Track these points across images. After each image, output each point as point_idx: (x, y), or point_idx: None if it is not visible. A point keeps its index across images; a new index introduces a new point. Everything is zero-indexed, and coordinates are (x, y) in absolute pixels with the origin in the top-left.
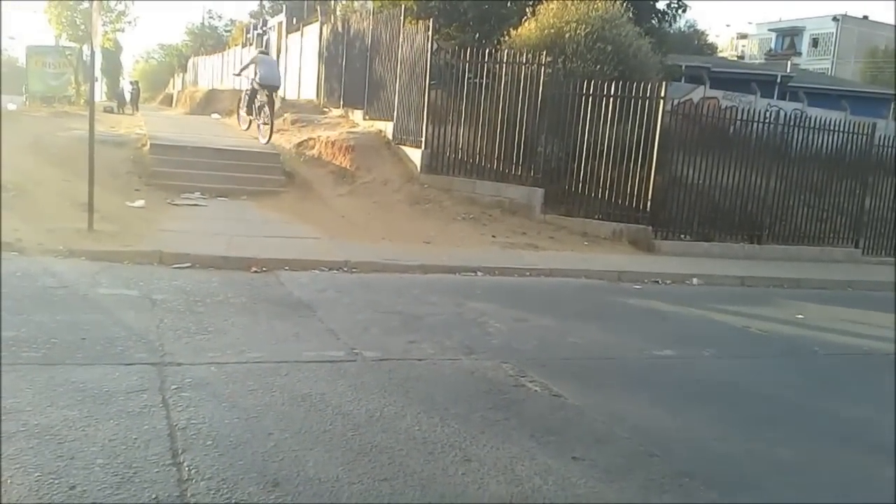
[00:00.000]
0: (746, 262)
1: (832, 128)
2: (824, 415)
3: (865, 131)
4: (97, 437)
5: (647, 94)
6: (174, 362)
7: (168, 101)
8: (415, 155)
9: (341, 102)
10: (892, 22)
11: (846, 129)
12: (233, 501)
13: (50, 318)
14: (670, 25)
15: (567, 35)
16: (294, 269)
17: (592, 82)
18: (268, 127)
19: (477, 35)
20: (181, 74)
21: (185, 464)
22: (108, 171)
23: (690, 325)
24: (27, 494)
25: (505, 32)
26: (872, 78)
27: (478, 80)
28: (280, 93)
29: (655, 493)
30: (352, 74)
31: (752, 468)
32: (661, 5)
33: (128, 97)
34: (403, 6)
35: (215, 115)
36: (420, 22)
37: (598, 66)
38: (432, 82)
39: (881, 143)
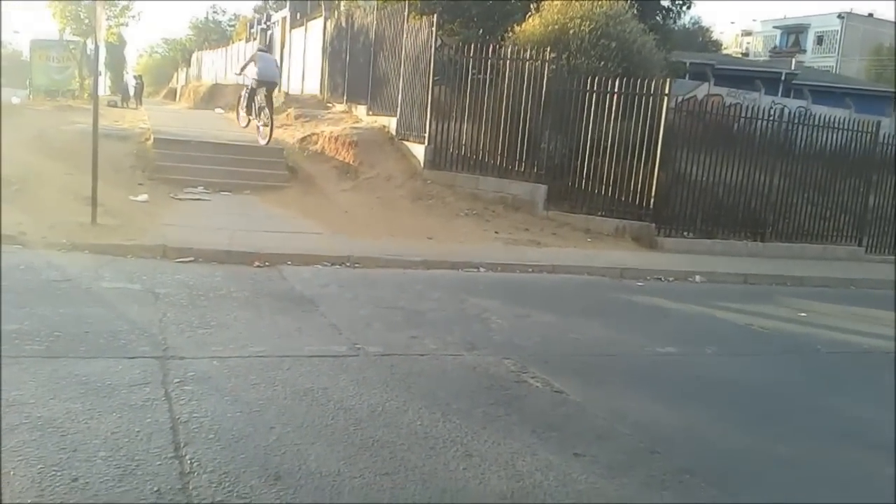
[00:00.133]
0: (749, 259)
1: (836, 125)
2: (826, 412)
3: (869, 129)
4: (100, 430)
5: (651, 91)
6: (177, 356)
7: (172, 95)
8: (418, 151)
9: (345, 98)
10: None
11: (850, 127)
12: (234, 494)
13: (53, 312)
14: (675, 22)
15: (571, 31)
16: (297, 264)
17: (596, 79)
18: (268, 128)
19: (481, 31)
20: (185, 69)
21: (187, 457)
22: (112, 165)
23: (693, 322)
24: (29, 486)
25: (509, 28)
26: (877, 76)
27: (481, 76)
28: (284, 87)
29: (656, 489)
30: (355, 70)
31: (754, 465)
32: (665, 2)
33: (131, 91)
34: (407, 2)
35: (219, 110)
36: (424, 17)
37: (602, 63)
38: (436, 78)
39: (885, 142)
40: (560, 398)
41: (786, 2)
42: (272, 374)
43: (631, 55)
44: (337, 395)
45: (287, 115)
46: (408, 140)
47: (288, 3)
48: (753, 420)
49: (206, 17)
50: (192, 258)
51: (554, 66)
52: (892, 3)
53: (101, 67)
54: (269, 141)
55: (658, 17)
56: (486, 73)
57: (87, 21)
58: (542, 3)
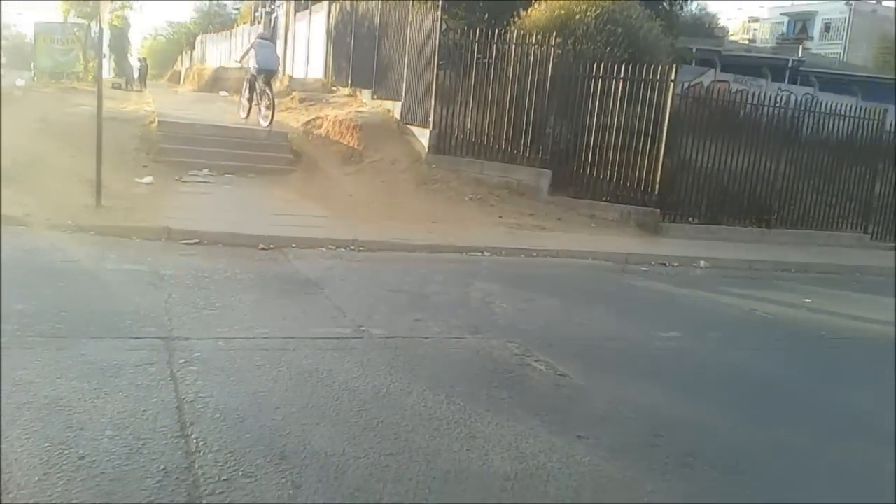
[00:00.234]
0: (754, 246)
1: (843, 113)
2: (829, 400)
3: (876, 117)
4: (106, 410)
5: (657, 77)
6: (182, 337)
7: (176, 78)
8: (422, 135)
9: (349, 82)
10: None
11: (857, 115)
12: (240, 473)
13: (59, 293)
14: (681, 8)
15: (577, 16)
16: (301, 248)
17: (602, 64)
18: (269, 111)
19: (486, 15)
20: (189, 52)
21: (192, 436)
22: (116, 148)
23: (697, 308)
24: (37, 464)
25: (515, 13)
26: (884, 64)
27: (487, 62)
28: (288, 72)
29: (659, 472)
30: (360, 54)
31: (756, 451)
32: None
33: (136, 74)
34: None
35: (223, 93)
36: (429, 1)
37: (608, 49)
38: (441, 63)
39: (892, 129)
40: (563, 382)
41: None
42: (277, 356)
43: (637, 41)
44: (342, 377)
45: (291, 99)
46: (412, 125)
47: None
48: (757, 406)
49: (211, 1)
50: (196, 241)
51: (560, 52)
52: None
53: (106, 50)
54: (270, 123)
55: (664, 4)
56: (491, 59)
57: (91, 3)
58: None
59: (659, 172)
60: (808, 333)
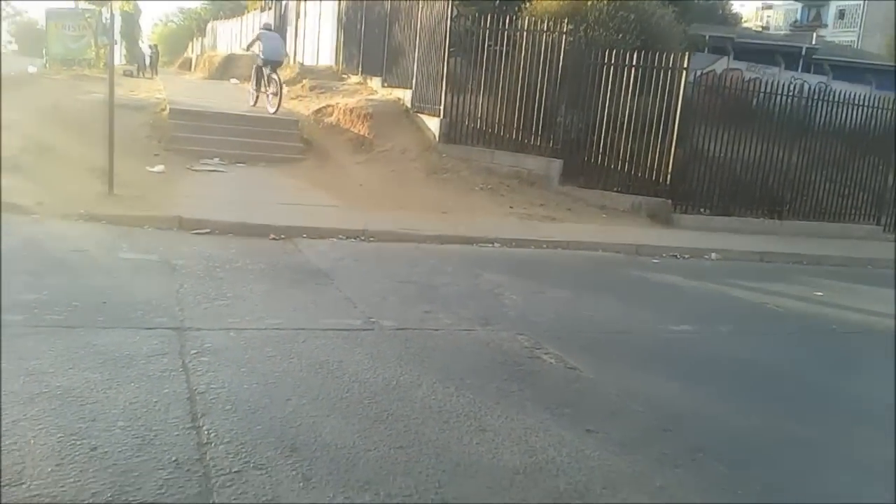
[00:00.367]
0: (766, 237)
1: (856, 102)
2: (839, 393)
3: (890, 106)
4: (118, 400)
5: (670, 65)
6: (194, 327)
7: (187, 65)
8: (433, 124)
9: (360, 69)
10: None
11: (871, 104)
12: (251, 465)
13: (70, 282)
14: None
15: (589, 3)
16: (312, 237)
17: (614, 52)
18: (276, 97)
19: (498, 2)
20: (200, 39)
21: (204, 427)
22: (128, 136)
23: (707, 300)
24: (49, 454)
25: (526, 0)
26: None
27: (498, 49)
28: (299, 59)
29: (669, 466)
30: (370, 41)
31: (766, 445)
32: None
33: (147, 61)
34: None
35: (234, 80)
36: None
37: (620, 36)
38: (451, 50)
39: None
40: (573, 374)
41: None
42: (288, 347)
43: (650, 28)
44: (352, 369)
45: (302, 87)
46: (423, 113)
47: None
48: (767, 399)
49: None
50: (208, 230)
51: (571, 39)
52: None
53: (117, 37)
54: (277, 109)
55: None
56: (502, 46)
57: None
58: None
59: (671, 162)
60: (819, 326)
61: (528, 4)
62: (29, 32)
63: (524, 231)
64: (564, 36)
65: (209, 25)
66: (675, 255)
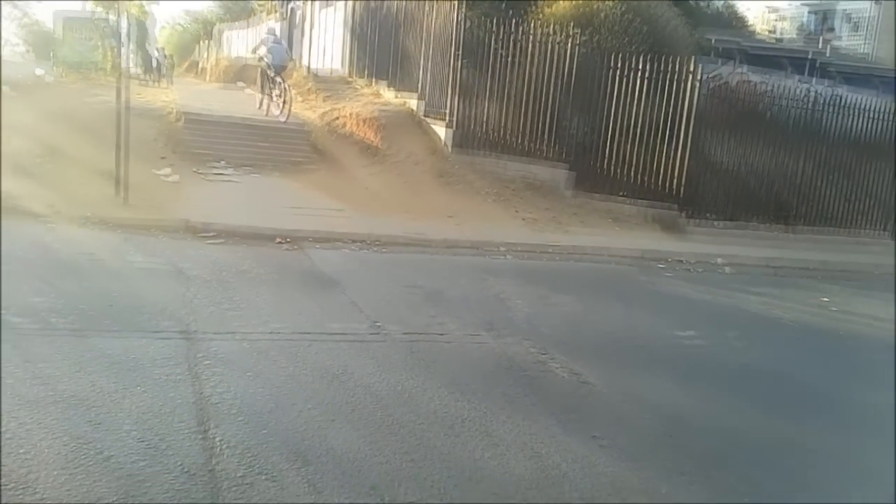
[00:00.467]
0: (775, 244)
1: (865, 109)
2: (847, 402)
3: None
4: (127, 406)
5: (680, 72)
6: (202, 333)
7: (196, 70)
8: (442, 130)
9: (369, 75)
10: None
11: (880, 112)
12: (259, 472)
13: (80, 287)
14: (703, 1)
15: (599, 11)
16: (320, 243)
17: (624, 59)
18: (286, 104)
19: (507, 9)
20: (209, 44)
21: (212, 434)
22: (137, 141)
23: (717, 309)
24: (57, 459)
25: (536, 6)
26: None
27: (507, 56)
28: (309, 65)
29: (676, 475)
30: (380, 47)
31: (775, 454)
32: None
33: (158, 66)
34: None
35: (242, 85)
36: None
37: (630, 43)
38: (460, 56)
39: None
40: (580, 382)
41: None
42: (295, 353)
43: (659, 35)
44: (359, 375)
45: (311, 93)
46: (432, 119)
47: None
48: (776, 408)
49: None
50: (216, 235)
51: (581, 45)
52: None
53: (128, 42)
54: (283, 113)
55: None
56: (511, 52)
57: None
58: None
59: (681, 170)
60: (827, 334)
61: (536, 10)
62: (39, 37)
63: (532, 238)
64: (574, 42)
65: (217, 30)
66: (684, 263)
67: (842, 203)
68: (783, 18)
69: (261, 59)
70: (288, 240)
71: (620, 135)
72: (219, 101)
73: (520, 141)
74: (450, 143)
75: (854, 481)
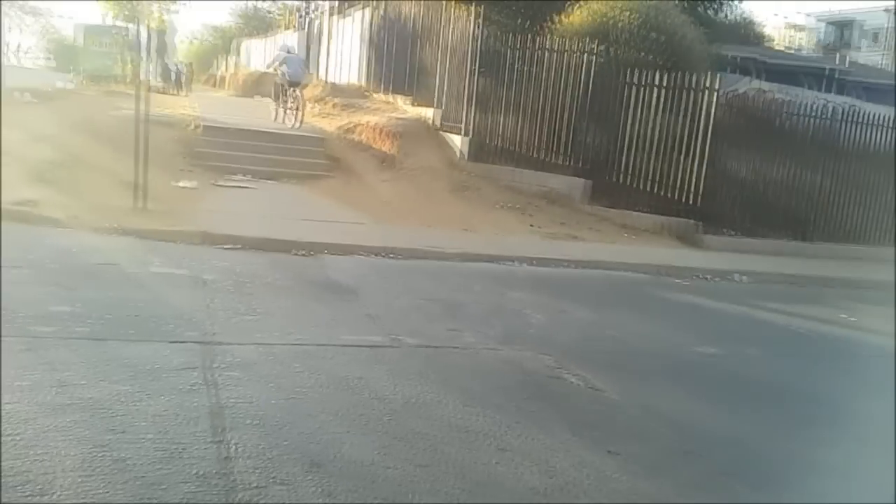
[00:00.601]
0: (794, 259)
1: (885, 124)
2: (868, 417)
3: None
4: (146, 413)
5: (698, 85)
6: (221, 341)
7: (216, 82)
8: (458, 141)
9: (387, 87)
10: None
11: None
12: (274, 480)
13: (101, 295)
14: (722, 14)
15: (616, 23)
16: (337, 253)
17: (641, 72)
18: (299, 112)
19: (524, 21)
20: (229, 56)
21: (229, 442)
22: (157, 151)
23: (734, 322)
24: (77, 465)
25: (553, 19)
26: None
27: (524, 68)
28: (327, 77)
29: (693, 490)
30: (398, 59)
31: (794, 470)
32: None
33: (177, 78)
34: None
35: (261, 98)
36: (466, 7)
37: (647, 56)
38: (478, 69)
39: None
40: (597, 395)
41: None
42: (312, 362)
43: (676, 48)
44: (374, 385)
45: (329, 105)
46: (448, 131)
47: None
48: (795, 423)
49: (251, 5)
50: (235, 245)
51: (598, 59)
52: None
53: (149, 53)
54: (300, 124)
55: (705, 10)
56: (528, 65)
57: (135, 8)
58: None
59: (697, 182)
60: (846, 349)
61: (555, 24)
62: (60, 47)
63: (548, 250)
64: (591, 56)
65: (241, 44)
66: (702, 277)
67: (861, 217)
68: (799, 29)
69: (277, 72)
70: (306, 251)
71: (637, 147)
72: (239, 112)
73: (536, 152)
74: (466, 154)
75: (877, 499)
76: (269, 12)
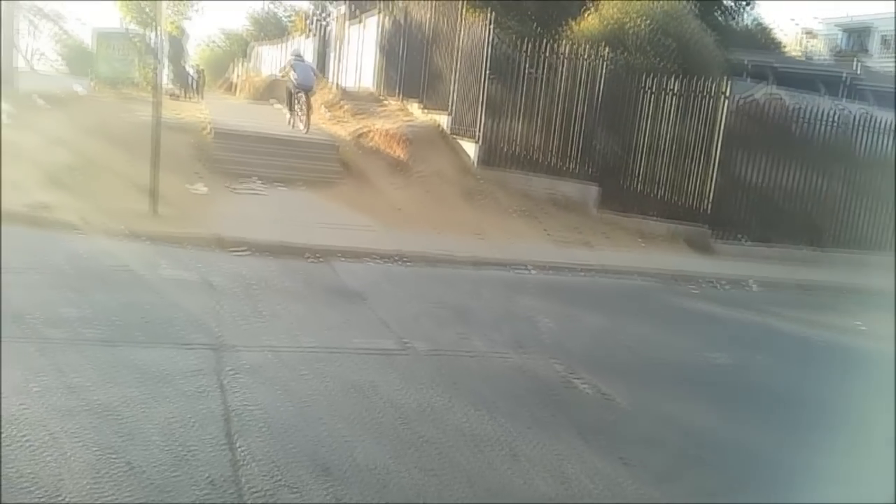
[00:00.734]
0: (806, 266)
1: None
2: (883, 426)
3: None
4: (155, 417)
5: (710, 91)
6: (231, 346)
7: (229, 87)
8: (470, 148)
9: (399, 93)
10: None
11: None
12: (284, 485)
13: (112, 299)
14: (735, 21)
15: (629, 29)
16: (348, 259)
17: (653, 78)
18: (305, 116)
19: (537, 27)
20: (243, 61)
21: (239, 446)
22: (171, 156)
23: (747, 329)
24: (86, 469)
25: (565, 25)
26: None
27: (536, 73)
28: (340, 82)
29: (705, 499)
30: (410, 65)
31: (807, 480)
32: (727, 1)
33: (193, 83)
34: None
35: (273, 102)
36: (480, 13)
37: (660, 62)
38: (490, 75)
39: None
40: (608, 402)
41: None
42: (322, 368)
43: (689, 54)
44: (385, 391)
45: (342, 110)
46: (460, 137)
47: None
48: (808, 431)
49: (266, 12)
50: (246, 249)
51: (611, 65)
52: None
53: (163, 59)
54: (307, 129)
55: (718, 16)
56: (541, 71)
57: (150, 12)
58: None
59: (710, 189)
60: (860, 357)
61: (567, 30)
62: (76, 53)
63: (560, 256)
64: (604, 62)
65: (253, 49)
66: (714, 283)
67: (874, 224)
68: (812, 35)
69: (292, 83)
70: (318, 256)
71: (649, 153)
72: (253, 117)
73: (547, 158)
74: (478, 160)
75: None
76: (286, 16)
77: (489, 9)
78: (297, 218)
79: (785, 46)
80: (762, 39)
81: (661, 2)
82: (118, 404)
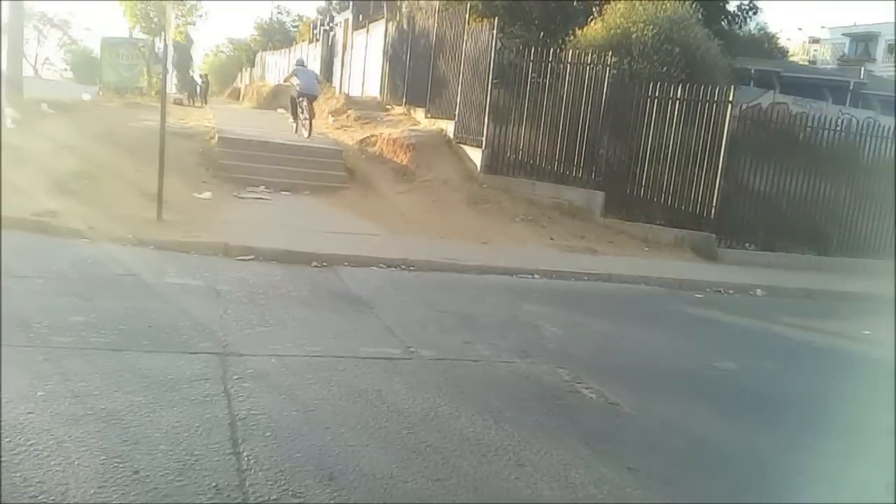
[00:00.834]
0: (812, 273)
1: None
2: (889, 432)
3: None
4: (161, 424)
5: (715, 98)
6: (236, 353)
7: (235, 95)
8: (475, 154)
9: (404, 100)
10: None
11: None
12: (289, 492)
13: (118, 305)
14: (740, 28)
15: (634, 36)
16: (353, 265)
17: (658, 85)
18: (307, 122)
19: (542, 34)
20: (249, 69)
21: (244, 453)
22: (177, 163)
23: (752, 336)
24: (92, 476)
25: (570, 32)
26: None
27: (541, 80)
28: (345, 90)
29: None
30: (415, 72)
31: (814, 487)
32: (731, 7)
33: (197, 90)
34: (469, 4)
35: (281, 111)
36: (485, 20)
37: (665, 69)
38: (495, 81)
39: None
40: (614, 409)
41: (858, 1)
42: (327, 374)
43: (694, 61)
44: (390, 398)
45: (347, 117)
46: (465, 143)
47: (351, 5)
48: (814, 438)
49: (271, 18)
50: (252, 256)
51: (615, 72)
52: None
53: (169, 66)
54: (310, 134)
55: (723, 23)
56: (545, 78)
57: (156, 20)
58: (605, 6)
59: (715, 196)
60: (867, 365)
61: (572, 37)
62: (83, 60)
63: (565, 263)
64: (608, 69)
65: (258, 56)
66: (720, 290)
67: (880, 231)
68: (817, 42)
69: (295, 90)
70: (323, 262)
71: (654, 160)
72: (258, 124)
73: (552, 165)
74: (483, 167)
75: None
76: (293, 24)
77: (494, 16)
78: (303, 224)
79: (790, 53)
80: (768, 47)
81: (667, 9)
82: (124, 411)
